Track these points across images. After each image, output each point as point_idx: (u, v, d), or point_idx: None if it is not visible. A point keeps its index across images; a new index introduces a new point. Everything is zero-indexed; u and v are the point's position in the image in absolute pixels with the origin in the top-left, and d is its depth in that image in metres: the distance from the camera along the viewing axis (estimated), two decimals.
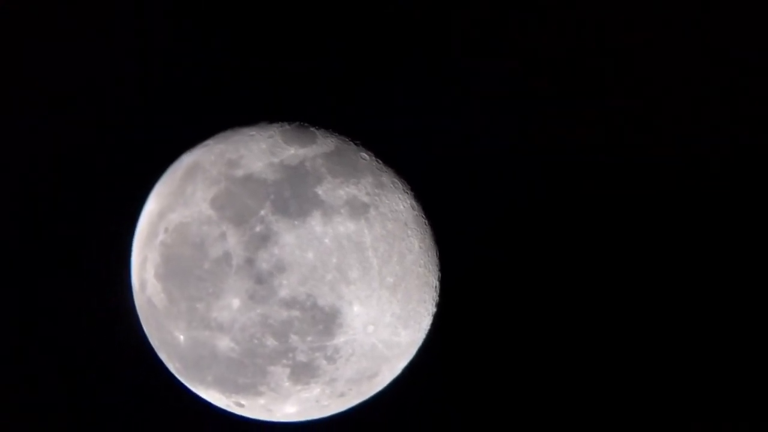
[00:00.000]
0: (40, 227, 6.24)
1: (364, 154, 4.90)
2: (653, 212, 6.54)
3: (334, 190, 4.60)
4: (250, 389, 4.72)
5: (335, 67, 6.17)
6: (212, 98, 6.15)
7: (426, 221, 5.08)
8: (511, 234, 6.39)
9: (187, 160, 5.03)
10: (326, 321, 4.50)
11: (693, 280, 6.59)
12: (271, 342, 4.49)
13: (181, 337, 4.69)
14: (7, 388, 6.25)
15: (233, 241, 4.47)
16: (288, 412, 4.96)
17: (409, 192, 5.01)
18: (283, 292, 4.42)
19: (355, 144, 4.93)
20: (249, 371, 4.60)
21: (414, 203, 5.01)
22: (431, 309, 5.17)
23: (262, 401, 4.82)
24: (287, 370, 4.60)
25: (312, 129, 4.92)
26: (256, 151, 4.74)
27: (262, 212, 4.48)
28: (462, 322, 6.25)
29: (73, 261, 6.23)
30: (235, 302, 4.45)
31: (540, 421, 6.59)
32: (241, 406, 4.92)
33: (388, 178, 4.91)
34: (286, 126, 4.92)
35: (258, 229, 4.45)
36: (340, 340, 4.57)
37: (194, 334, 4.60)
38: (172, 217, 4.75)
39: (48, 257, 6.23)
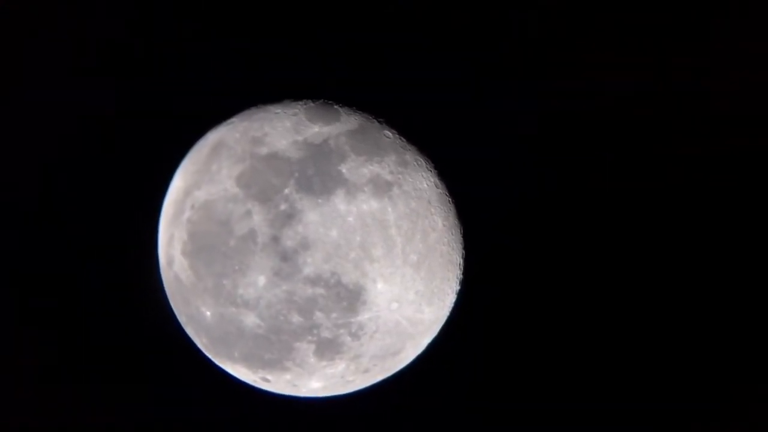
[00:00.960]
0: (67, 203, 6.34)
1: (387, 132, 4.89)
2: (687, 201, 6.47)
3: (357, 169, 4.61)
4: (276, 365, 4.80)
5: (360, 44, 6.14)
6: (237, 75, 6.16)
7: (450, 200, 5.07)
8: (538, 213, 6.36)
9: (212, 137, 5.07)
10: (350, 298, 4.54)
11: (708, 267, 6.54)
12: (296, 319, 4.55)
13: (208, 313, 4.77)
14: (34, 365, 6.40)
15: (258, 219, 4.51)
16: (313, 387, 5.03)
17: (432, 170, 5.00)
18: (308, 270, 4.46)
19: (379, 122, 4.92)
20: (275, 347, 4.67)
21: (438, 181, 5.01)
22: (455, 286, 5.19)
23: (287, 377, 4.90)
24: (312, 347, 4.66)
25: (336, 107, 4.92)
26: (281, 129, 4.76)
27: (287, 190, 4.51)
28: (487, 299, 6.25)
29: (101, 237, 6.33)
30: (261, 279, 4.50)
31: (563, 398, 6.60)
32: (268, 381, 5.01)
33: (411, 156, 4.91)
34: (310, 104, 4.92)
35: (282, 207, 4.49)
36: (364, 317, 4.61)
37: (221, 310, 4.67)
38: (198, 195, 4.80)
39: (75, 234, 6.33)
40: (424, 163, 4.97)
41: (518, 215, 6.31)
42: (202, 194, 4.77)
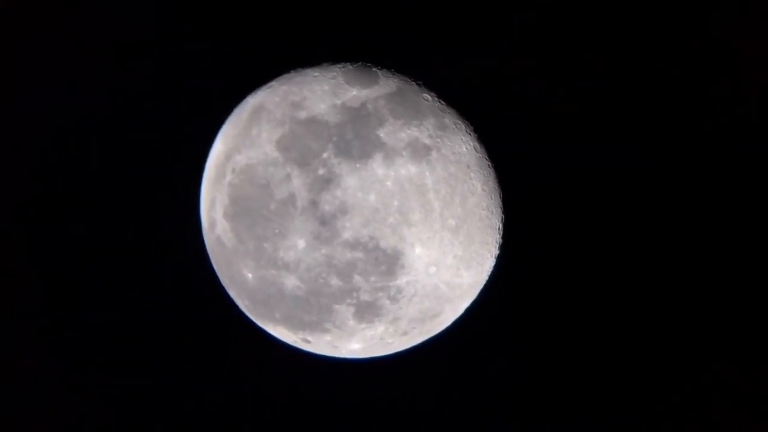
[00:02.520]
0: (113, 166, 6.45)
1: (426, 95, 4.84)
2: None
3: (395, 133, 4.59)
4: (317, 326, 4.87)
5: (399, 6, 6.04)
6: (277, 38, 6.14)
7: (490, 164, 5.01)
8: (581, 178, 6.25)
9: (252, 101, 5.08)
10: (389, 262, 4.56)
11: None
12: (335, 282, 4.59)
13: (250, 275, 4.84)
14: (78, 326, 6.58)
15: (298, 183, 4.53)
16: (353, 348, 5.10)
17: (472, 134, 4.94)
18: (347, 234, 4.49)
19: (418, 84, 4.86)
20: (315, 309, 4.74)
21: (477, 145, 4.95)
22: (494, 251, 5.16)
23: (327, 338, 4.97)
24: (352, 309, 4.72)
25: (374, 69, 4.87)
26: (319, 93, 4.75)
27: (325, 155, 4.51)
28: (526, 263, 6.21)
29: (145, 200, 6.44)
30: (301, 243, 4.55)
31: (600, 361, 6.57)
32: (308, 342, 5.09)
33: (450, 119, 4.85)
34: (349, 67, 4.89)
35: (321, 171, 4.50)
36: (402, 280, 4.63)
37: (262, 273, 4.75)
38: (239, 159, 4.84)
39: (120, 196, 6.45)
40: (463, 127, 4.91)
41: (560, 180, 6.22)
42: (243, 158, 4.81)
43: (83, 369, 6.57)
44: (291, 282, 4.67)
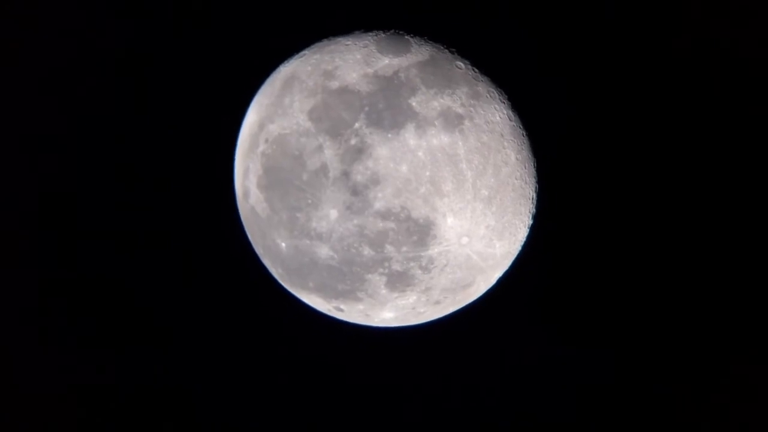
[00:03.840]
0: (149, 136, 6.52)
1: (459, 63, 4.77)
2: None
3: (428, 102, 4.54)
4: (349, 295, 4.91)
5: None
6: (310, 6, 6.10)
7: (524, 133, 4.94)
8: (615, 144, 6.13)
9: (284, 70, 5.07)
10: (420, 232, 4.55)
11: None
12: (367, 251, 4.61)
13: (283, 244, 4.89)
14: (116, 293, 6.73)
15: (330, 153, 4.53)
16: (385, 317, 5.14)
17: (506, 102, 4.86)
18: (378, 204, 4.49)
19: (451, 52, 4.79)
20: (347, 278, 4.77)
21: (511, 114, 4.87)
22: (528, 221, 5.12)
23: (360, 307, 5.01)
24: (384, 278, 4.74)
25: (407, 37, 4.81)
26: (351, 62, 4.71)
27: (357, 125, 4.50)
28: (560, 233, 6.16)
29: (180, 169, 6.52)
30: (333, 213, 4.57)
31: (633, 332, 6.52)
32: (341, 310, 5.14)
33: (484, 87, 4.78)
34: (381, 35, 4.84)
35: (353, 141, 4.49)
36: (434, 250, 4.63)
37: (295, 242, 4.79)
38: (272, 128, 4.85)
39: (155, 166, 6.54)
40: (497, 95, 4.84)
41: (595, 148, 6.11)
42: (276, 128, 4.82)
43: (120, 337, 6.74)
44: (324, 252, 4.70)
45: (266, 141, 4.87)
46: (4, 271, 6.58)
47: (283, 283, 5.32)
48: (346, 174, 4.49)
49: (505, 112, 4.84)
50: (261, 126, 4.96)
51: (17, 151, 6.45)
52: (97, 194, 6.56)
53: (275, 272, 5.28)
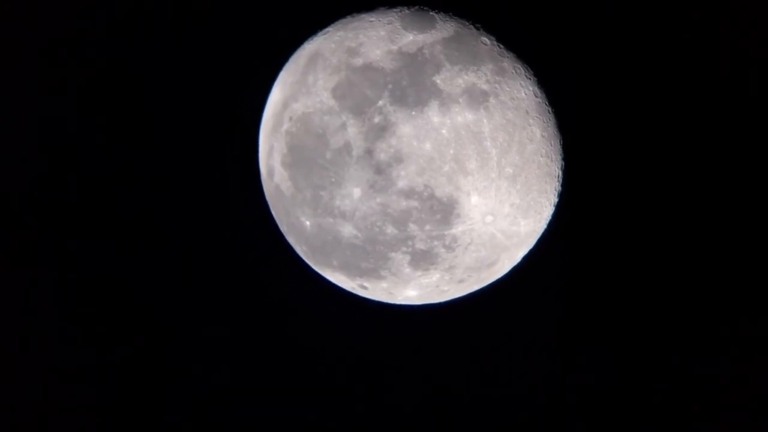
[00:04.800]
0: (174, 113, 6.56)
1: (484, 39, 4.71)
2: None
3: (452, 79, 4.49)
4: (373, 273, 4.92)
5: None
6: None
7: (550, 109, 4.87)
8: (643, 122, 6.02)
9: (308, 47, 5.06)
10: (444, 211, 4.54)
11: None
12: (391, 230, 4.61)
13: (308, 223, 4.91)
14: (142, 270, 6.80)
15: (353, 132, 4.52)
16: (409, 295, 5.15)
17: (531, 78, 4.80)
18: (402, 183, 4.48)
19: (476, 28, 4.73)
20: (371, 257, 4.78)
21: (537, 90, 4.81)
22: (553, 199, 5.07)
23: (384, 285, 5.03)
24: (407, 257, 4.74)
25: (431, 13, 4.75)
26: (375, 39, 4.68)
27: (380, 102, 4.47)
28: (586, 211, 6.09)
29: (204, 149, 6.56)
30: (356, 191, 4.57)
31: (660, 311, 6.46)
32: (365, 288, 5.16)
33: (509, 63, 4.72)
34: (406, 11, 4.79)
35: (376, 119, 4.47)
36: (458, 229, 4.62)
37: (319, 220, 4.80)
38: (296, 107, 4.85)
39: (181, 143, 6.58)
40: (522, 71, 4.77)
41: (622, 125, 6.01)
42: (300, 106, 4.82)
43: (149, 311, 6.84)
44: (347, 230, 4.71)
45: (290, 119, 4.87)
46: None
47: (307, 261, 5.35)
48: (369, 152, 4.48)
49: (530, 88, 4.78)
50: (285, 105, 4.97)
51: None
52: (122, 171, 6.62)
53: (300, 250, 5.32)
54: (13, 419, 6.73)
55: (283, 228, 5.35)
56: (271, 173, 5.13)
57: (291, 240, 5.34)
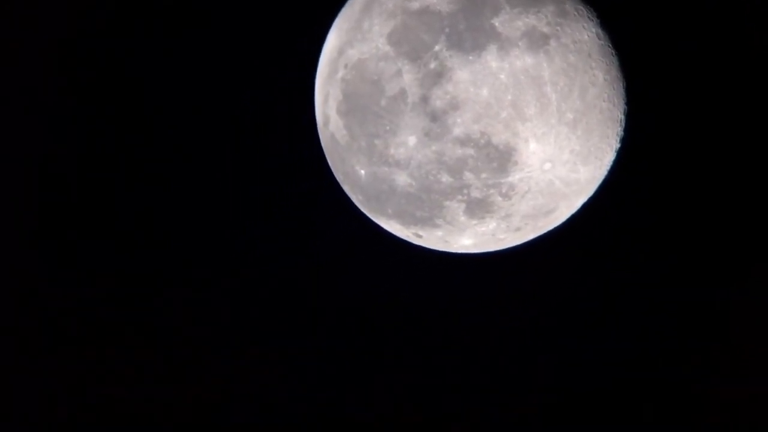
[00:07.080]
0: (230, 62, 6.58)
1: None
2: None
3: (511, 21, 4.35)
4: (428, 222, 4.91)
5: None
6: None
7: (613, 51, 4.68)
8: (709, 62, 5.74)
9: None
10: (501, 159, 4.45)
11: None
12: (446, 178, 4.57)
13: (362, 171, 4.90)
14: (196, 219, 6.91)
15: (408, 78, 4.45)
16: (465, 243, 5.13)
17: (594, 19, 4.60)
18: (457, 130, 4.40)
19: None
20: (426, 205, 4.76)
21: (600, 32, 4.62)
22: (615, 145, 4.92)
23: (439, 233, 5.01)
24: (462, 205, 4.70)
25: None
26: None
27: (437, 47, 4.38)
28: (650, 157, 5.90)
29: (262, 95, 6.58)
30: (411, 139, 4.52)
31: (719, 261, 6.27)
32: (420, 237, 5.16)
33: (571, 5, 4.53)
34: None
35: (432, 65, 4.38)
36: (515, 177, 4.54)
37: (374, 169, 4.79)
38: (351, 53, 4.80)
39: (236, 90, 6.61)
40: (585, 12, 4.58)
41: (686, 67, 5.74)
42: (355, 53, 4.76)
43: (204, 264, 6.99)
44: (402, 179, 4.69)
45: (346, 66, 4.82)
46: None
47: (363, 210, 5.37)
48: (424, 99, 4.41)
49: (593, 30, 4.59)
50: (341, 51, 4.92)
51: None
52: (181, 123, 6.73)
53: (355, 199, 5.33)
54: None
55: (339, 177, 5.36)
56: (326, 122, 5.12)
57: (346, 188, 5.36)
